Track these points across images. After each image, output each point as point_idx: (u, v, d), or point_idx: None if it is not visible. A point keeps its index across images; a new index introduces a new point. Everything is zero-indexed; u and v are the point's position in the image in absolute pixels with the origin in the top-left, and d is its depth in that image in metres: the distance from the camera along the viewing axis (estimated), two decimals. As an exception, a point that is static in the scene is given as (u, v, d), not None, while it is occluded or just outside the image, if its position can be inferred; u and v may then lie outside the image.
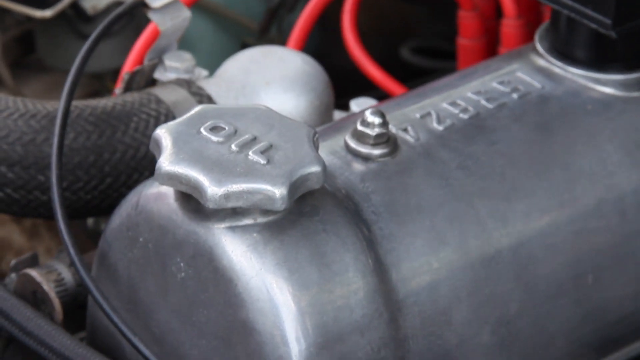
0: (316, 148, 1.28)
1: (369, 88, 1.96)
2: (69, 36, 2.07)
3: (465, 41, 2.04)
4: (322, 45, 2.35)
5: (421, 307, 1.33)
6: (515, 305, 1.40)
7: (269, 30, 2.20)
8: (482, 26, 2.06)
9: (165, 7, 1.52)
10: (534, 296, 1.43)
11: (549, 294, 1.43)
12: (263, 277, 1.24)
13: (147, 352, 1.28)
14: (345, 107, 1.56)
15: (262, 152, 1.26)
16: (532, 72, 1.53)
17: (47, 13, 1.81)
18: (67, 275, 1.46)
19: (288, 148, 1.29)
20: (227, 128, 1.29)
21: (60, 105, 1.41)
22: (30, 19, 1.90)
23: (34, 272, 1.44)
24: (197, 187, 1.21)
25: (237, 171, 1.24)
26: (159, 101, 1.49)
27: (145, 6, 1.53)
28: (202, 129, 1.28)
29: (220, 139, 1.28)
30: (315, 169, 1.24)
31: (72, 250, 1.33)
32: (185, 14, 1.54)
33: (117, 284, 1.37)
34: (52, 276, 1.44)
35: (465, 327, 1.37)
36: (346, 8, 2.01)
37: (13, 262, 1.49)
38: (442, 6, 2.14)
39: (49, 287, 1.43)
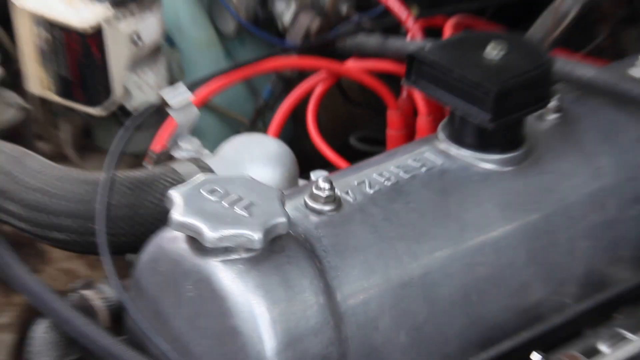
0: (283, 205, 1.28)
1: (325, 165, 1.93)
2: (116, 127, 2.04)
3: (392, 132, 2.07)
4: (294, 133, 2.35)
5: (357, 317, 1.33)
6: (422, 316, 1.39)
7: (257, 123, 2.21)
8: (404, 121, 2.06)
9: (181, 107, 1.53)
10: (436, 309, 1.42)
11: (446, 308, 1.42)
12: (246, 296, 1.25)
13: (165, 347, 1.30)
14: (307, 177, 1.57)
15: (245, 208, 1.26)
16: (436, 153, 1.53)
17: (101, 112, 1.79)
18: (111, 294, 1.44)
19: (263, 205, 1.29)
20: (220, 191, 1.29)
21: (106, 175, 1.43)
22: (90, 115, 1.89)
23: (87, 292, 1.43)
24: (199, 232, 1.22)
25: (227, 221, 1.24)
26: (175, 172, 1.49)
27: (167, 106, 1.54)
28: (202, 191, 1.29)
29: (216, 199, 1.28)
30: (282, 220, 1.25)
31: (113, 278, 1.36)
32: (195, 112, 1.55)
33: (146, 300, 1.37)
34: (101, 295, 1.43)
35: (387, 331, 1.36)
36: (310, 108, 2.03)
37: (71, 285, 1.47)
38: (378, 107, 2.14)
39: (98, 303, 1.42)
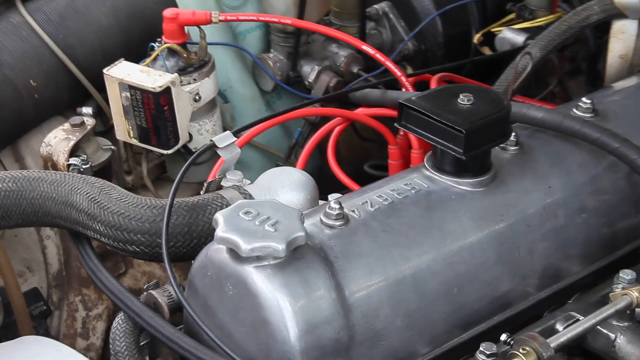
0: (302, 222, 1.27)
1: (343, 187, 1.90)
2: (183, 162, 2.02)
3: (392, 162, 2.02)
4: (320, 163, 2.31)
5: (361, 308, 1.31)
6: (414, 305, 1.36)
7: (290, 157, 2.17)
8: (401, 154, 2.02)
9: (226, 147, 1.50)
10: (424, 300, 1.39)
11: (433, 299, 1.39)
12: (274, 294, 1.24)
13: (213, 335, 1.27)
14: (326, 198, 1.54)
15: (272, 225, 1.26)
16: (422, 178, 1.51)
17: (170, 151, 1.79)
18: (172, 293, 1.42)
19: (286, 223, 1.27)
20: (253, 212, 1.28)
21: (169, 201, 1.40)
22: (162, 154, 1.86)
23: (155, 291, 1.41)
24: (236, 245, 1.21)
25: (258, 236, 1.23)
26: (222, 198, 1.46)
27: (217, 147, 1.51)
28: (240, 213, 1.27)
29: (249, 218, 1.27)
30: (301, 234, 1.24)
31: (173, 281, 1.34)
32: (238, 151, 1.54)
33: (197, 297, 1.35)
34: (165, 294, 1.40)
35: (386, 318, 1.34)
36: (329, 144, 1.98)
37: (146, 285, 1.45)
38: (384, 142, 2.09)
39: (162, 300, 1.40)
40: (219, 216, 1.23)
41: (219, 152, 1.47)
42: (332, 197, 1.50)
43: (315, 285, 1.25)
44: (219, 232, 1.21)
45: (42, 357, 1.28)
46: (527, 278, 1.50)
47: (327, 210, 1.34)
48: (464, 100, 1.46)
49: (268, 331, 1.22)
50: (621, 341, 1.45)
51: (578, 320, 1.44)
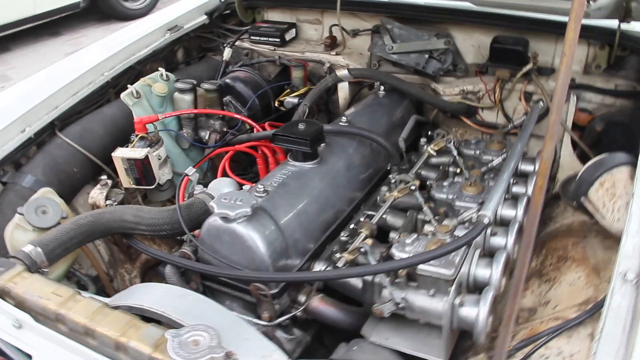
0: (252, 197, 1.24)
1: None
2: (157, 192, 1.82)
3: (259, 167, 1.86)
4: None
5: (286, 228, 1.27)
6: (305, 220, 1.33)
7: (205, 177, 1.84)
8: (263, 162, 1.88)
9: (192, 175, 1.55)
10: (309, 218, 1.35)
11: (312, 216, 1.36)
12: (250, 233, 1.19)
13: (221, 262, 1.20)
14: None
15: (239, 201, 1.20)
16: (290, 166, 1.46)
17: (152, 186, 1.70)
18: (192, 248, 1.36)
19: (245, 199, 1.22)
20: (228, 198, 1.22)
21: (177, 205, 1.34)
22: (147, 189, 1.77)
23: (183, 249, 1.32)
24: (227, 214, 1.18)
25: (235, 207, 1.19)
26: (199, 199, 1.42)
27: (187, 175, 1.53)
28: (222, 199, 1.22)
29: (227, 201, 1.20)
30: (254, 202, 1.21)
31: (193, 238, 1.27)
32: (197, 176, 1.53)
33: (206, 246, 1.26)
34: (189, 249, 1.33)
35: (295, 230, 1.30)
36: (225, 162, 1.81)
37: (173, 251, 1.38)
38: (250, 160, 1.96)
39: (189, 251, 1.32)
40: (213, 204, 1.25)
41: (190, 177, 1.47)
42: (245, 187, 1.52)
43: (267, 223, 1.28)
44: (216, 210, 1.23)
45: (158, 288, 1.14)
46: (343, 200, 1.52)
47: (256, 190, 1.36)
48: (301, 126, 1.52)
49: (250, 252, 1.23)
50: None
51: (372, 214, 1.49)
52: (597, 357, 0.86)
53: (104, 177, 1.64)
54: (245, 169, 2.04)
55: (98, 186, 1.60)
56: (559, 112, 0.63)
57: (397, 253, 1.16)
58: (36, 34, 5.43)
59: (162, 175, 1.74)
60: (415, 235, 1.22)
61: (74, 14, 5.59)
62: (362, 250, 1.20)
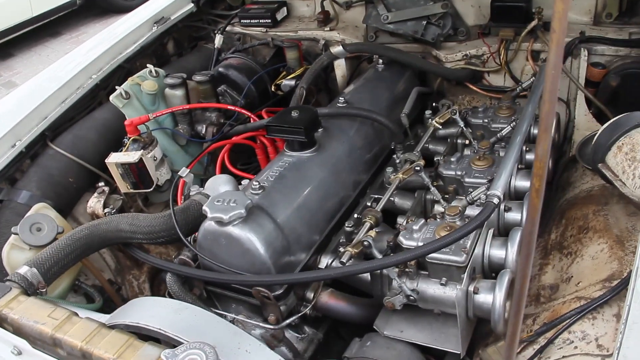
0: (246, 196, 1.20)
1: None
2: (157, 194, 1.80)
3: (259, 157, 1.82)
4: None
5: (285, 226, 1.23)
6: (306, 215, 1.30)
7: (206, 173, 1.93)
8: (263, 153, 1.84)
9: (186, 176, 1.44)
10: (310, 211, 1.32)
11: (313, 209, 1.33)
12: (247, 235, 1.16)
13: (220, 267, 1.18)
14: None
15: (233, 202, 1.16)
16: (287, 157, 1.43)
17: (150, 189, 1.68)
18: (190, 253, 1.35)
19: (239, 199, 1.17)
20: (221, 200, 1.18)
21: (171, 210, 1.31)
22: (145, 191, 1.73)
23: (182, 257, 1.33)
24: (221, 218, 1.14)
25: (229, 210, 1.15)
26: (194, 201, 1.38)
27: (181, 177, 1.45)
28: (215, 202, 1.18)
29: (220, 203, 1.16)
30: (249, 201, 1.17)
31: (189, 245, 1.25)
32: (192, 176, 1.43)
33: (204, 251, 1.24)
34: (188, 256, 1.32)
35: (296, 225, 1.27)
36: (224, 154, 1.75)
37: (173, 257, 1.41)
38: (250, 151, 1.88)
39: (188, 258, 1.32)
40: (206, 207, 1.20)
41: (184, 178, 1.48)
42: (244, 182, 1.46)
43: (264, 223, 1.24)
44: (209, 214, 1.18)
45: (154, 303, 1.12)
46: (347, 186, 1.49)
47: (252, 187, 1.32)
48: (294, 114, 1.46)
49: (249, 255, 1.20)
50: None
51: (379, 197, 1.44)
52: (624, 340, 0.81)
53: (101, 183, 1.61)
54: (250, 157, 1.98)
55: (95, 194, 1.58)
56: (553, 100, 0.52)
57: (405, 241, 1.12)
58: (37, 37, 5.43)
59: (160, 176, 1.69)
60: (422, 221, 1.17)
61: (72, 12, 5.59)
62: (365, 243, 1.15)
